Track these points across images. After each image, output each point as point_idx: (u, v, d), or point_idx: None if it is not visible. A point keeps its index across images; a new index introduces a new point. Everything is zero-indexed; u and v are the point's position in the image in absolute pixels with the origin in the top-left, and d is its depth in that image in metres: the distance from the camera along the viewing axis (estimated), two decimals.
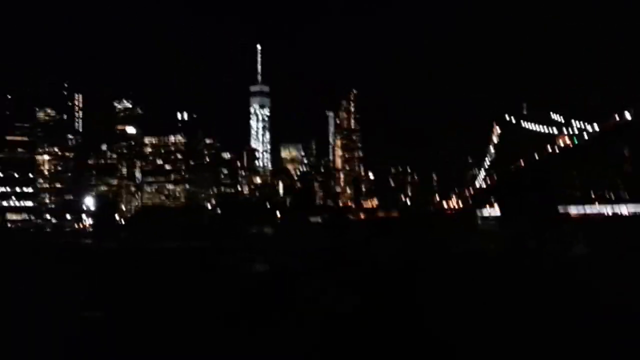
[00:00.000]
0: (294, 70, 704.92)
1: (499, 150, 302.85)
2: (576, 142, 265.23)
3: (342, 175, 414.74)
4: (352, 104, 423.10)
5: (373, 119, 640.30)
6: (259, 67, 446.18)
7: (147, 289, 35.30)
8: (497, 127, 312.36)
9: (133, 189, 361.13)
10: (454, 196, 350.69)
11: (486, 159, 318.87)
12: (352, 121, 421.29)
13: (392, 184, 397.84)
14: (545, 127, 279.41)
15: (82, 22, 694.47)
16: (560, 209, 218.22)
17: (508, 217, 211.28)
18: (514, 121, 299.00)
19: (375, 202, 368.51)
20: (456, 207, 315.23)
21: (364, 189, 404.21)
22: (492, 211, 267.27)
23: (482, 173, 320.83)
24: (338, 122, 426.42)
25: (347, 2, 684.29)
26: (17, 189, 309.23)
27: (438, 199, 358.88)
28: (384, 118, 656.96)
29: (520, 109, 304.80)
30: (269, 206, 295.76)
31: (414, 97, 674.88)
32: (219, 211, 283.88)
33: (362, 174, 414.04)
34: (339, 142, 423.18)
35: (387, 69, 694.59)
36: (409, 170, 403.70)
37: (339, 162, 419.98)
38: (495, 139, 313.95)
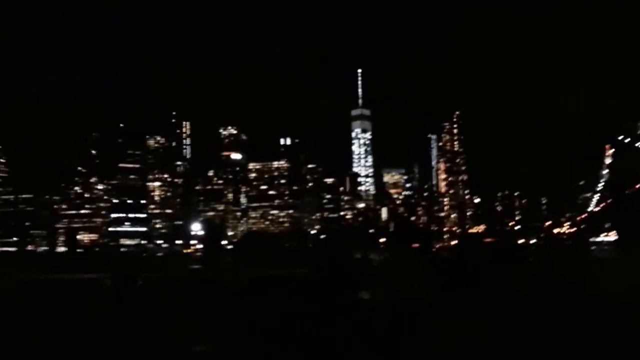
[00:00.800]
0: (396, 93, 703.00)
1: (614, 172, 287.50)
2: None
3: (446, 200, 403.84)
4: (456, 126, 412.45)
5: (478, 140, 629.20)
6: (360, 90, 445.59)
7: (256, 321, 33.89)
8: (610, 148, 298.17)
9: (238, 214, 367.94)
10: (564, 221, 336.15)
11: (600, 181, 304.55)
12: (456, 143, 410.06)
13: (499, 209, 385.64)
14: None
15: (188, 51, 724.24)
16: None
17: (627, 243, 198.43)
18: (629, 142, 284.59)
19: (481, 227, 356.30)
20: (568, 232, 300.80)
21: (469, 214, 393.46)
22: (608, 237, 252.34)
23: (596, 196, 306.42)
24: (441, 144, 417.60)
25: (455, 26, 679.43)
26: (130, 215, 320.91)
27: (548, 223, 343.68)
28: (490, 140, 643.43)
29: (635, 129, 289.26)
30: (372, 231, 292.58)
31: (520, 117, 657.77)
32: (323, 236, 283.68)
33: (467, 198, 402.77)
34: (442, 166, 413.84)
35: (492, 89, 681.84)
36: (517, 194, 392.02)
37: (442, 186, 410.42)
38: (608, 161, 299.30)
